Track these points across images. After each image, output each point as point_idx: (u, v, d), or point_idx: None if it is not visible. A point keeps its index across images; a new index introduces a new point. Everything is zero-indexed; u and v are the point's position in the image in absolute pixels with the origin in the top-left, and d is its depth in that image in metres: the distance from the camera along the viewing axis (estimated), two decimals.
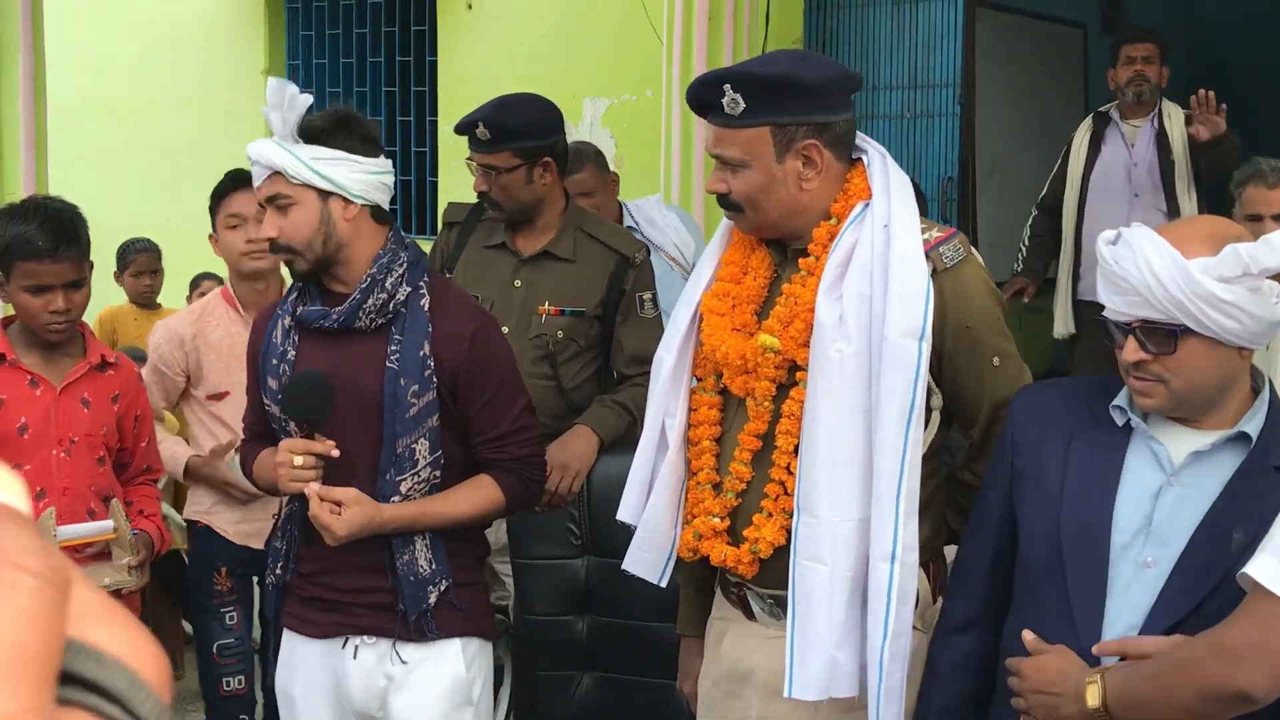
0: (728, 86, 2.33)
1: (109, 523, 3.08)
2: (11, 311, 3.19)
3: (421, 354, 2.64)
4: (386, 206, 2.76)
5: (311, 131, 2.65)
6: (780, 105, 2.34)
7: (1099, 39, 7.95)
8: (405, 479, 2.66)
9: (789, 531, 2.32)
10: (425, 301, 2.69)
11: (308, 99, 2.66)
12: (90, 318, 6.41)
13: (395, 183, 2.88)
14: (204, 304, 3.75)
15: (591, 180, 4.59)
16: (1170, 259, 1.99)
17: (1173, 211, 5.67)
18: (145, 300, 6.31)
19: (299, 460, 2.60)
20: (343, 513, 2.57)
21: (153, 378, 3.63)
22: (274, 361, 2.75)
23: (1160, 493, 2.10)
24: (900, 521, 2.23)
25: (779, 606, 2.40)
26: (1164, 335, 2.02)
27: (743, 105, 2.33)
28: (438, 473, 2.69)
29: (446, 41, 7.49)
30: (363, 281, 2.66)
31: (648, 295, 3.66)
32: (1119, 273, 2.04)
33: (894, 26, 6.23)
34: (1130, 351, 2.07)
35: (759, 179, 2.37)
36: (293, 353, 2.73)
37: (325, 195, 2.65)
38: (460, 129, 3.56)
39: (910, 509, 2.25)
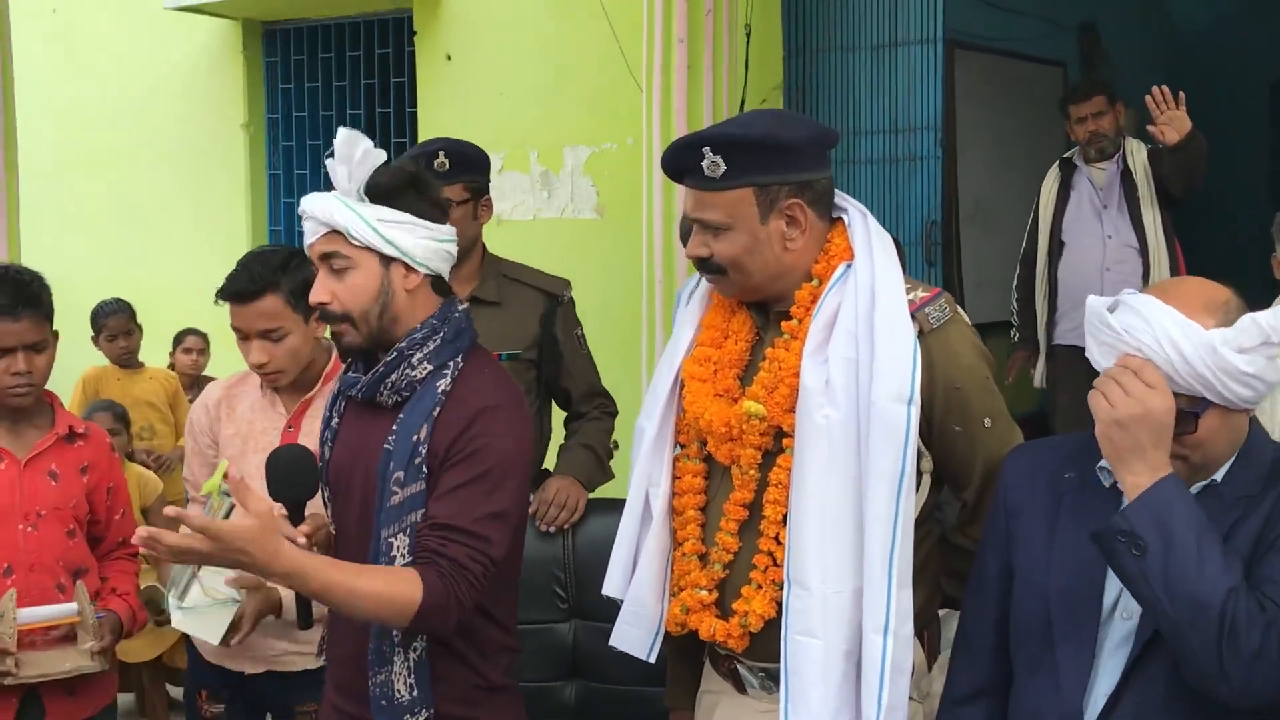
0: (707, 149, 2.29)
1: (73, 605, 2.99)
2: None
3: (414, 439, 2.34)
4: (447, 276, 2.51)
5: (378, 190, 2.38)
6: (761, 165, 2.29)
7: (1079, 77, 7.95)
8: None
9: (779, 603, 2.26)
10: (444, 384, 2.38)
11: (381, 154, 2.40)
12: (74, 378, 6.39)
13: None
14: (249, 370, 3.28)
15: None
16: (1194, 334, 1.93)
17: (1143, 246, 5.71)
18: (125, 361, 6.25)
19: None
20: (235, 524, 2.19)
21: (191, 446, 3.31)
22: (323, 429, 2.60)
23: None
24: (893, 591, 2.17)
25: (771, 680, 2.33)
26: (1183, 416, 1.96)
27: (723, 167, 2.28)
28: None
29: (426, 93, 7.46)
30: (389, 355, 2.42)
31: (580, 332, 3.70)
32: (1132, 345, 1.96)
33: (874, 71, 6.21)
34: None
35: (743, 241, 2.32)
36: (336, 421, 2.57)
37: (387, 260, 2.39)
38: (412, 161, 3.44)
39: (903, 578, 2.19)
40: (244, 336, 3.07)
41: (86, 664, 2.96)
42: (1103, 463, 2.10)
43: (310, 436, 2.96)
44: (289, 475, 2.44)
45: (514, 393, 2.49)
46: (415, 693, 2.34)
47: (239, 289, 3.03)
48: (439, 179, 3.38)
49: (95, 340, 6.28)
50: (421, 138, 7.26)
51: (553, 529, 3.36)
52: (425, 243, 2.42)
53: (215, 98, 8.23)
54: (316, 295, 2.41)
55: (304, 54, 8.08)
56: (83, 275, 8.25)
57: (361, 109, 7.87)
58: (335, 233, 2.38)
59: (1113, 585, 2.04)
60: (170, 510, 2.19)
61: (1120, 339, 1.98)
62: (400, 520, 2.33)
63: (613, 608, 2.53)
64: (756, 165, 2.29)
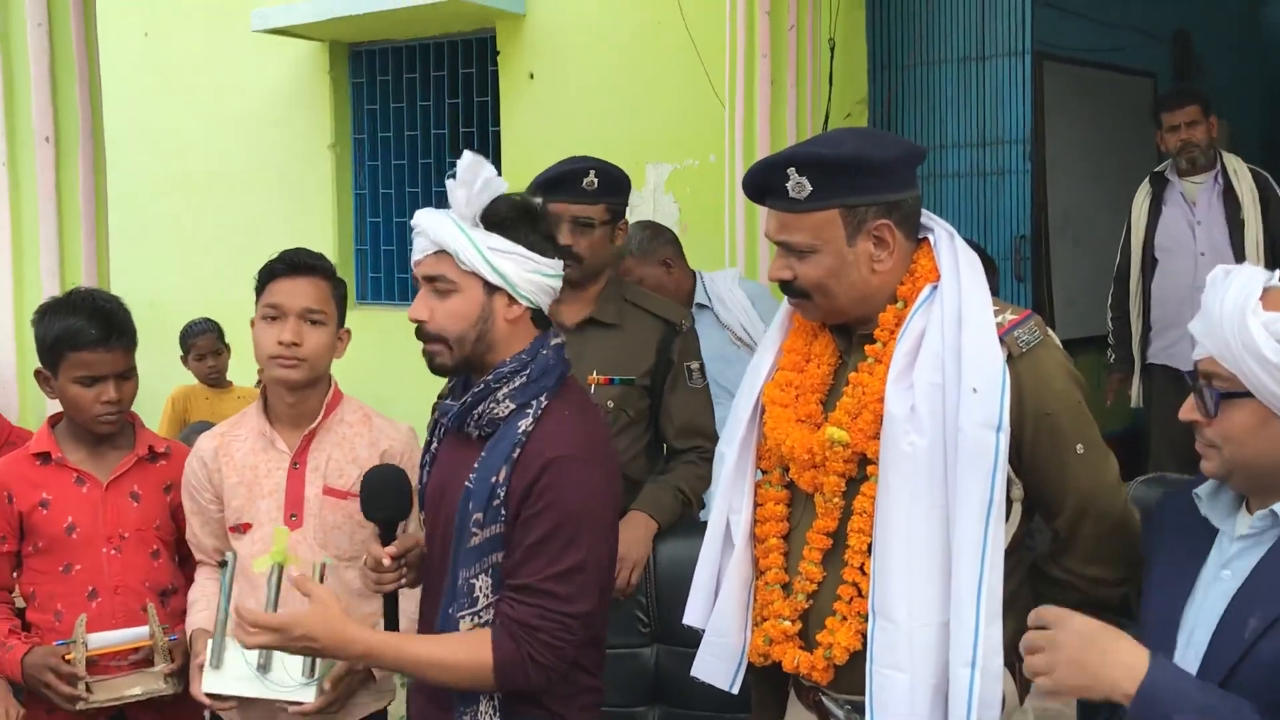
0: (792, 170, 2.23)
1: (144, 629, 2.98)
2: (58, 409, 3.13)
3: (493, 480, 2.32)
4: (547, 310, 2.49)
5: (493, 218, 2.38)
6: (849, 186, 2.23)
7: (1172, 89, 7.80)
8: (464, 617, 2.35)
9: (864, 635, 2.20)
10: (525, 423, 2.36)
11: (504, 184, 2.40)
12: (162, 397, 6.48)
13: None
14: (242, 413, 3.12)
15: (670, 254, 4.72)
16: (1241, 299, 1.90)
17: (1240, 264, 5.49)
18: (213, 380, 6.32)
19: (372, 563, 2.49)
20: (295, 613, 2.26)
21: (190, 506, 3.05)
22: (425, 455, 2.60)
23: (1214, 582, 1.99)
24: (981, 624, 2.11)
25: (857, 712, 2.27)
26: (1210, 396, 1.94)
27: (809, 189, 2.22)
28: None
29: (509, 111, 7.49)
30: (477, 386, 2.42)
31: (695, 365, 3.56)
32: (1205, 296, 1.97)
33: (960, 84, 6.13)
34: (1186, 410, 2.01)
35: (829, 264, 2.26)
36: (435, 445, 2.57)
37: (491, 289, 2.39)
38: (561, 177, 3.39)
39: (992, 611, 2.12)
40: (278, 315, 2.88)
41: (159, 687, 2.94)
42: (1197, 489, 2.04)
43: (316, 471, 2.94)
44: (380, 495, 2.48)
45: (593, 438, 2.44)
46: None
47: (298, 260, 2.90)
48: (585, 198, 3.37)
49: (184, 360, 6.35)
50: (505, 157, 7.29)
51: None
52: (532, 276, 2.41)
53: (302, 119, 8.33)
54: (416, 312, 2.42)
55: (389, 75, 8.16)
56: (172, 295, 8.39)
57: (445, 128, 7.92)
58: (444, 254, 2.39)
59: (1189, 620, 1.98)
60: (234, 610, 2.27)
61: (1203, 295, 1.98)
62: (481, 561, 2.34)
63: (695, 632, 2.50)
64: (844, 186, 2.23)
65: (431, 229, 2.39)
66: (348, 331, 3.00)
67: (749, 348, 4.48)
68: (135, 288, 8.33)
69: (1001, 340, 2.18)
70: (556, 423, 2.39)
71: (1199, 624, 1.97)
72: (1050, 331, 2.29)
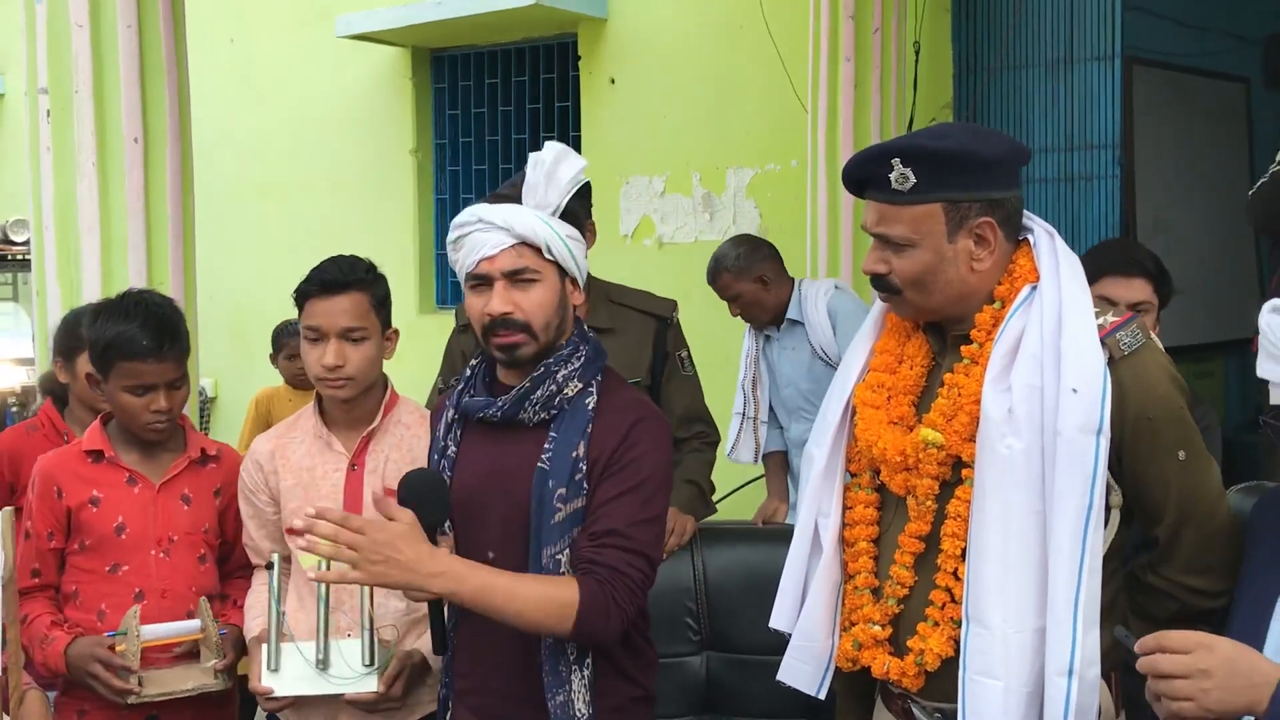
0: (897, 161, 2.18)
1: (196, 622, 2.95)
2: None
3: (574, 455, 2.38)
4: None
5: (564, 209, 2.47)
6: (954, 181, 2.19)
7: (1263, 93, 7.63)
8: None
9: (957, 642, 2.15)
10: (592, 401, 2.44)
11: (586, 178, 2.52)
12: (246, 398, 6.55)
13: None
14: (297, 415, 3.09)
15: (733, 285, 4.79)
16: None
17: None
18: (300, 381, 6.37)
19: None
20: (370, 526, 2.21)
21: (247, 510, 3.03)
22: (436, 457, 2.59)
23: None
24: (1079, 632, 2.05)
25: None
26: None
27: (913, 180, 2.18)
28: None
29: (590, 117, 7.49)
30: (535, 370, 2.44)
31: (685, 353, 3.64)
32: (1274, 341, 1.87)
33: (1048, 89, 6.04)
34: None
35: (927, 259, 2.21)
36: (454, 449, 2.55)
37: (564, 276, 2.48)
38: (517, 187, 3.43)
39: (1090, 618, 2.06)
40: (319, 337, 2.85)
41: (209, 682, 2.91)
42: None
43: (375, 474, 2.91)
44: (423, 498, 2.39)
45: (655, 407, 2.58)
46: (591, 709, 2.38)
47: (329, 279, 2.85)
48: None
49: (273, 358, 6.41)
50: (586, 161, 7.30)
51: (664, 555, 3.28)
52: (585, 262, 2.55)
53: (385, 124, 8.40)
54: (498, 305, 2.42)
55: (470, 80, 8.20)
56: (257, 299, 8.50)
57: (526, 133, 7.95)
58: (524, 246, 2.42)
59: (1273, 637, 1.91)
60: (311, 511, 2.23)
61: (1265, 336, 1.88)
62: (565, 537, 2.38)
63: (747, 639, 2.48)
64: (949, 180, 2.18)
65: (514, 222, 2.40)
66: (395, 331, 2.97)
67: (830, 366, 4.48)
68: (220, 291, 8.49)
69: (1103, 343, 2.12)
70: (622, 394, 2.50)
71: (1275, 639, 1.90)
72: (1153, 335, 2.23)
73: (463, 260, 2.46)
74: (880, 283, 2.29)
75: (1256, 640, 1.91)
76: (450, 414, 2.58)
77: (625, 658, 2.47)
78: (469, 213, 2.46)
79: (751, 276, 4.76)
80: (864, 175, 2.26)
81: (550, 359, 2.45)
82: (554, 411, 2.44)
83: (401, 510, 2.27)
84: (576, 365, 2.46)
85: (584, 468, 2.38)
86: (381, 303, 2.91)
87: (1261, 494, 2.14)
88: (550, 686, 2.38)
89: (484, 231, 2.42)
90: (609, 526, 2.35)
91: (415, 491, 2.40)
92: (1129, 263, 3.34)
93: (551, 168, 2.43)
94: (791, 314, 4.84)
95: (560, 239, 2.43)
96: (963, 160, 2.19)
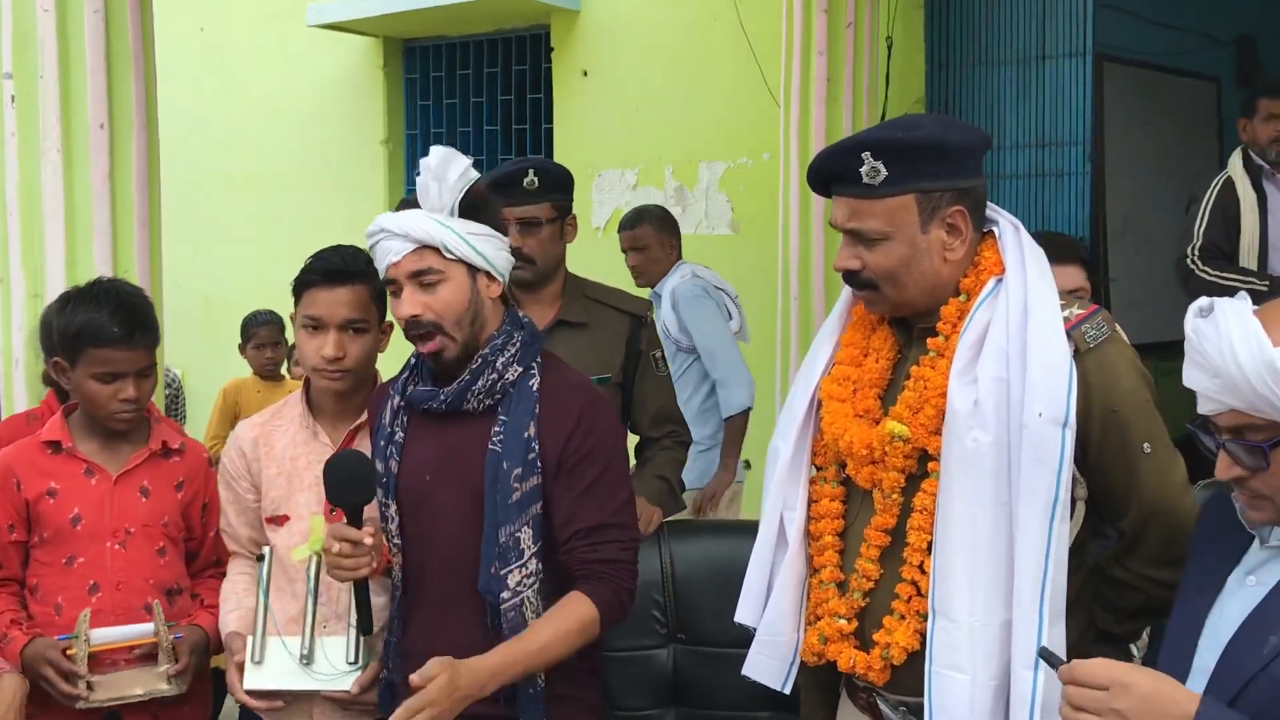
0: (867, 155, 2.17)
1: (149, 626, 2.90)
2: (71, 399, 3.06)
3: (525, 435, 2.48)
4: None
5: (464, 205, 2.53)
6: (925, 171, 2.18)
7: (1233, 93, 7.67)
8: (512, 571, 2.46)
9: (923, 635, 2.15)
10: (535, 382, 2.54)
11: (475, 174, 2.54)
12: (215, 390, 6.50)
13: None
14: (283, 402, 3.07)
15: (647, 237, 5.23)
16: (1257, 349, 1.74)
17: None
18: (268, 372, 6.33)
19: (336, 547, 2.48)
20: (428, 687, 2.32)
21: (226, 495, 3.01)
22: (382, 444, 2.63)
23: (1239, 588, 1.89)
24: (1045, 625, 2.05)
25: (913, 714, 2.22)
26: (1254, 450, 1.78)
27: (884, 173, 2.17)
28: (543, 565, 2.49)
29: (562, 109, 7.47)
30: (474, 362, 2.53)
31: (659, 353, 3.67)
32: (1199, 349, 1.81)
33: (1019, 85, 6.05)
34: (1223, 468, 1.85)
35: (901, 252, 2.20)
36: (401, 435, 2.62)
37: (474, 271, 2.53)
38: (503, 180, 3.41)
39: (1056, 611, 2.06)
40: (318, 326, 2.83)
41: (161, 687, 2.86)
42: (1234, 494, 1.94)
43: None
44: (348, 480, 2.52)
45: (594, 385, 2.68)
46: (543, 679, 2.49)
47: (333, 269, 2.84)
48: (528, 198, 3.41)
49: (242, 349, 6.37)
50: (558, 154, 7.28)
51: None
52: (502, 254, 2.59)
53: (356, 114, 8.36)
54: (407, 309, 2.51)
55: (442, 71, 8.17)
56: (227, 290, 8.45)
57: (498, 125, 7.92)
58: (426, 249, 2.50)
59: (1209, 629, 1.89)
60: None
61: (1190, 344, 1.82)
62: (523, 515, 2.47)
63: (714, 632, 2.50)
64: (920, 171, 2.17)
65: (410, 228, 2.49)
66: (390, 325, 2.94)
67: (670, 341, 5.00)
68: (189, 282, 8.44)
69: (1069, 335, 2.12)
70: (563, 375, 2.60)
71: (1222, 630, 1.88)
72: (1118, 327, 2.23)
73: (380, 269, 2.57)
74: (854, 279, 2.27)
75: (1185, 660, 1.89)
76: (396, 401, 2.64)
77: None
78: (375, 223, 2.56)
79: (663, 237, 5.22)
80: (833, 170, 2.25)
81: (486, 350, 2.53)
82: (498, 396, 2.53)
83: (432, 665, 2.33)
84: (514, 351, 2.55)
85: (536, 446, 2.48)
86: (379, 296, 2.88)
87: (1206, 499, 2.12)
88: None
89: (387, 239, 2.52)
90: (600, 521, 2.49)
91: (339, 473, 2.52)
92: (1062, 247, 3.40)
93: (439, 170, 2.50)
94: (658, 287, 5.23)
95: (458, 236, 2.49)
96: (933, 150, 2.18)
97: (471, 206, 2.54)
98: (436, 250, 2.49)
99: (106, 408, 2.94)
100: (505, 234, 2.65)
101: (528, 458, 2.47)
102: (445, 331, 2.51)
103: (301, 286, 2.86)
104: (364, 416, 2.90)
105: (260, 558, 2.88)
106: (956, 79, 6.21)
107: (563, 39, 7.43)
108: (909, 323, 2.31)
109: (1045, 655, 1.94)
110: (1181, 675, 1.86)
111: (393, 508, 2.60)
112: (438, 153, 2.51)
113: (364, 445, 2.89)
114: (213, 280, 8.64)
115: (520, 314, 2.65)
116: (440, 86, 8.21)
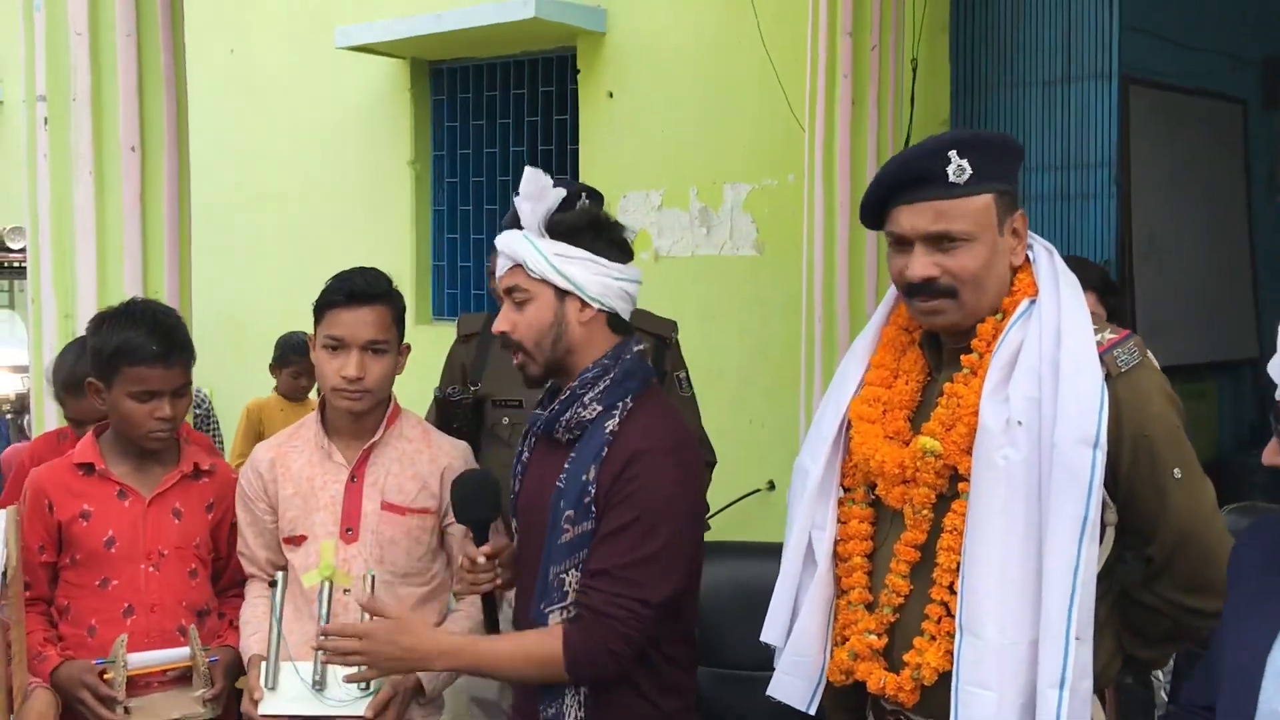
0: (953, 153, 2.17)
1: (185, 650, 2.91)
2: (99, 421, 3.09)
3: (584, 478, 2.42)
4: (626, 316, 2.60)
5: (559, 227, 2.52)
6: (1000, 171, 2.20)
7: (1260, 114, 7.65)
8: (554, 612, 2.43)
9: (952, 655, 2.14)
10: (613, 424, 2.46)
11: (561, 192, 2.54)
12: (238, 409, 6.52)
13: None
14: (300, 423, 3.10)
15: None
16: None
17: None
18: (296, 395, 6.34)
19: (462, 562, 2.59)
20: (373, 622, 2.43)
21: (244, 517, 3.03)
22: (515, 464, 2.70)
23: None
24: (1071, 644, 2.04)
25: None
26: None
27: (969, 172, 2.17)
28: None
29: (588, 130, 7.49)
30: (564, 393, 2.53)
31: (683, 374, 3.65)
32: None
33: (1045, 107, 6.04)
34: (1271, 452, 1.84)
35: (984, 254, 2.19)
36: (526, 455, 2.66)
37: (562, 294, 2.51)
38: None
39: (1083, 631, 2.06)
40: (339, 346, 2.86)
41: (197, 711, 2.88)
42: None
43: (375, 487, 2.92)
44: (471, 498, 2.59)
45: (679, 435, 2.53)
46: None
47: (357, 290, 2.86)
48: None
49: (274, 369, 6.37)
50: (583, 174, 7.30)
51: None
52: (601, 279, 2.52)
53: (383, 135, 8.39)
54: (498, 325, 2.55)
55: (469, 92, 8.20)
56: (253, 309, 8.48)
57: (524, 146, 7.94)
58: (518, 266, 2.52)
59: (1273, 669, 1.83)
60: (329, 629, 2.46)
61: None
62: (571, 557, 2.43)
63: (737, 654, 2.48)
64: (997, 171, 2.19)
65: (506, 246, 2.54)
66: (408, 347, 3.00)
67: None
68: (217, 301, 8.47)
69: (1100, 359, 2.12)
70: (645, 420, 2.49)
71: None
72: (1149, 353, 2.23)
73: None
74: (930, 287, 2.22)
75: (1248, 704, 1.84)
76: (527, 425, 2.71)
77: (643, 677, 2.49)
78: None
79: None
80: (917, 171, 2.20)
81: (577, 382, 2.51)
82: (578, 433, 2.51)
83: (388, 605, 2.47)
84: (601, 389, 2.49)
85: (593, 491, 2.42)
86: (400, 317, 2.94)
87: (1249, 521, 2.10)
88: (544, 697, 2.45)
89: (499, 256, 2.59)
90: (600, 567, 2.40)
91: (462, 491, 2.60)
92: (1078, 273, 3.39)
93: (526, 189, 2.52)
94: None
95: (541, 256, 2.49)
96: (1008, 150, 2.23)
97: (572, 229, 2.52)
98: (523, 269, 2.52)
99: (143, 426, 2.96)
100: (626, 247, 2.61)
101: (583, 501, 2.43)
102: (526, 350, 2.54)
103: (324, 307, 2.89)
104: (378, 435, 2.94)
105: (273, 583, 2.90)
106: (982, 101, 6.21)
107: (589, 61, 7.46)
108: (939, 343, 2.31)
109: None
110: (1247, 719, 1.83)
111: (515, 524, 2.67)
112: (529, 173, 2.53)
113: (379, 465, 2.93)
114: (239, 299, 8.68)
115: (632, 348, 2.57)
116: (467, 108, 8.24)
